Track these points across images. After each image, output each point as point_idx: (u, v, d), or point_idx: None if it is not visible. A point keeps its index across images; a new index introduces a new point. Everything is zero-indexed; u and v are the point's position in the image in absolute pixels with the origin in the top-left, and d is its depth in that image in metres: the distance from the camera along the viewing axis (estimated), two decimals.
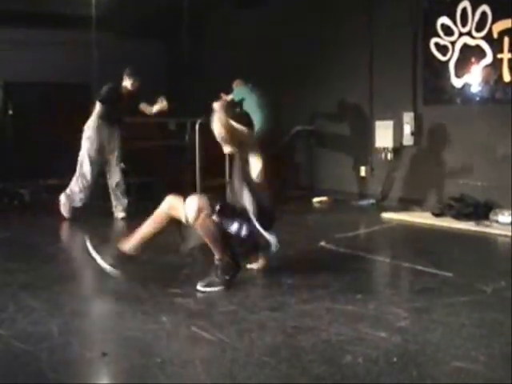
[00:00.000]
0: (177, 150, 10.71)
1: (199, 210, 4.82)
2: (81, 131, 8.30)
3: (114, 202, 8.61)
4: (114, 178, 8.50)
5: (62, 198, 8.39)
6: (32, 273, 5.47)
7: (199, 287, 4.88)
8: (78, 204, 8.39)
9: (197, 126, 9.87)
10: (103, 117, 8.30)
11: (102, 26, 10.71)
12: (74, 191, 8.34)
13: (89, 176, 8.31)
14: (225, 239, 4.97)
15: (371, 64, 9.85)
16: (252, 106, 9.14)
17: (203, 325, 4.06)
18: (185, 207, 4.88)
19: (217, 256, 4.97)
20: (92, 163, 8.31)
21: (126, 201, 8.56)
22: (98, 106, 8.33)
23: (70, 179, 8.42)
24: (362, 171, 10.16)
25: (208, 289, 4.86)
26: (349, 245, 6.65)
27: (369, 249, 6.65)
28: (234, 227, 4.96)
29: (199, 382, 3.28)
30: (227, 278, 4.93)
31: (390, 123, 9.54)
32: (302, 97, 10.75)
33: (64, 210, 8.38)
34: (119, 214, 8.51)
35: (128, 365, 3.52)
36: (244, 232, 4.98)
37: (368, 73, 9.91)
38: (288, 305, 4.53)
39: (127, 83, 8.40)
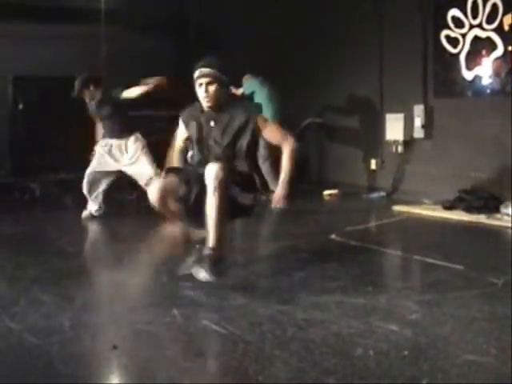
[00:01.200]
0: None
1: (219, 178, 4.60)
2: (91, 125, 8.27)
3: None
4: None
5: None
6: (43, 267, 5.49)
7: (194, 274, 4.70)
8: None
9: None
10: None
11: (111, 19, 10.73)
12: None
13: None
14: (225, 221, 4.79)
15: (381, 57, 9.83)
16: (263, 99, 9.15)
17: (214, 318, 4.06)
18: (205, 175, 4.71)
19: (211, 244, 4.67)
20: None
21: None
22: None
23: (81, 173, 8.41)
24: (373, 164, 10.15)
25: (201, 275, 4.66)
26: (359, 238, 6.65)
27: (379, 242, 6.65)
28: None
29: (210, 375, 3.29)
30: (216, 270, 4.66)
31: (400, 116, 9.52)
32: (312, 90, 10.74)
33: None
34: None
35: (138, 358, 3.54)
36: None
37: (378, 66, 9.89)
38: (298, 298, 4.53)
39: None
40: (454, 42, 8.81)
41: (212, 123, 5.08)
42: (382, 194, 9.74)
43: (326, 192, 10.07)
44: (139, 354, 3.59)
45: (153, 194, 4.81)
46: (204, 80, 4.95)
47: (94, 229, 7.60)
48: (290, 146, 5.05)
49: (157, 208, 4.89)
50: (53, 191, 9.90)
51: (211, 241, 4.65)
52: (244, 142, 5.03)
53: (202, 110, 5.13)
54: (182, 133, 5.36)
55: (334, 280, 4.93)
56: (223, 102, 5.10)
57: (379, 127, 9.88)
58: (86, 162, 8.12)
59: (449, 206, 8.23)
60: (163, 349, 3.58)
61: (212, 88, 4.96)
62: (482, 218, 7.65)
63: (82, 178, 7.99)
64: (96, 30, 10.58)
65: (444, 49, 8.95)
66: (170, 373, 3.27)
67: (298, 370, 3.32)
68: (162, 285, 4.89)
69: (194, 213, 4.86)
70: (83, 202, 8.10)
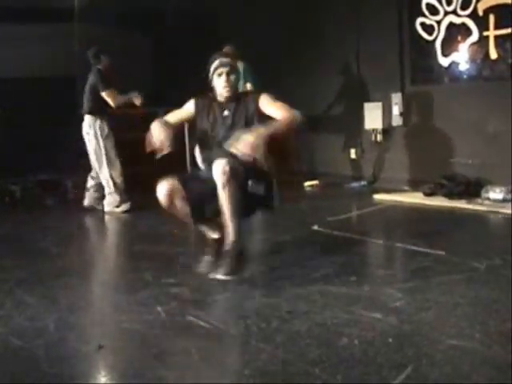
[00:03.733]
0: None
1: (228, 174, 4.51)
2: (67, 125, 8.28)
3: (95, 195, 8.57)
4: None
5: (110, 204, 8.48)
6: (27, 269, 5.47)
7: (219, 276, 4.63)
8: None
9: None
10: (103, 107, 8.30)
11: (85, 17, 10.68)
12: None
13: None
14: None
15: (358, 46, 9.85)
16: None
17: (198, 313, 4.07)
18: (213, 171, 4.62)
19: (232, 238, 4.65)
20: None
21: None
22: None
23: (61, 174, 8.43)
24: (353, 153, 10.18)
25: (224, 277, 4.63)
26: (341, 227, 6.67)
27: (361, 231, 6.68)
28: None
29: (197, 370, 3.29)
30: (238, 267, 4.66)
31: (378, 104, 9.55)
32: (289, 79, 10.72)
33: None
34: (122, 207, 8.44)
35: (125, 356, 3.54)
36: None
37: (355, 55, 9.91)
38: (282, 290, 4.54)
39: (105, 63, 8.35)
40: (429, 29, 8.85)
41: (226, 112, 5.06)
42: (363, 182, 9.78)
43: (307, 183, 10.10)
44: (125, 353, 3.59)
45: (160, 194, 4.88)
46: (224, 69, 4.98)
47: (76, 228, 7.58)
48: (293, 115, 4.88)
49: (165, 207, 4.94)
50: (34, 192, 9.86)
51: (231, 235, 4.64)
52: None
53: (214, 100, 5.13)
54: (183, 113, 5.25)
55: (317, 270, 4.95)
56: (237, 92, 5.22)
57: (358, 116, 9.90)
58: (66, 163, 8.12)
59: (429, 193, 8.28)
60: (149, 347, 3.58)
61: (232, 77, 5.01)
62: (462, 204, 7.69)
63: (63, 178, 8.01)
64: (69, 29, 10.52)
65: (420, 36, 8.99)
66: (157, 370, 3.28)
67: (284, 361, 3.33)
68: (145, 283, 4.89)
69: (201, 212, 4.94)
70: (63, 202, 8.11)
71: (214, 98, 5.13)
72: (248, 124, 4.93)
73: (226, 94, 5.03)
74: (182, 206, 4.89)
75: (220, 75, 4.99)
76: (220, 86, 5.03)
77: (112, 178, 8.23)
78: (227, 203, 4.55)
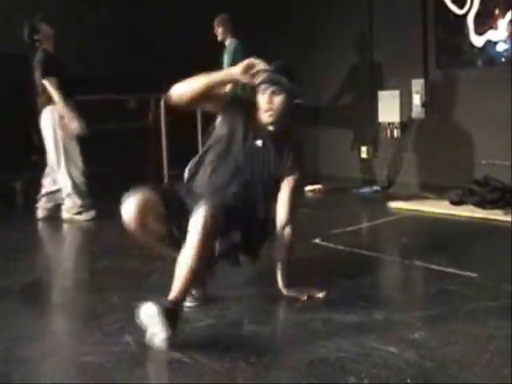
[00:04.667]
0: (138, 132, 10.70)
1: (206, 230, 4.20)
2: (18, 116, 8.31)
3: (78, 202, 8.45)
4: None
5: (42, 203, 8.57)
6: None
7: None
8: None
9: (162, 103, 9.89)
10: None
11: None
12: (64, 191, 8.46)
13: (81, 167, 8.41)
14: None
15: (371, 19, 9.86)
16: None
17: (174, 343, 4.06)
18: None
19: (172, 296, 4.19)
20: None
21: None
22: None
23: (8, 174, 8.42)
24: (363, 152, 10.20)
25: None
26: (349, 242, 6.68)
27: (373, 246, 6.69)
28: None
29: None
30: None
31: (396, 93, 9.57)
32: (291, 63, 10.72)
33: (42, 212, 8.55)
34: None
35: None
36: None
37: (368, 34, 9.92)
38: (277, 316, 4.55)
39: (46, 36, 8.35)
40: (459, 1, 8.85)
41: (259, 142, 4.81)
42: (376, 188, 9.79)
43: (308, 187, 10.09)
44: None
45: (128, 211, 4.49)
46: (270, 88, 4.69)
47: (27, 240, 7.56)
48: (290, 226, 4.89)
49: (132, 229, 4.56)
50: None
51: (174, 292, 4.18)
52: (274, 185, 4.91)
53: (254, 115, 4.83)
54: (216, 93, 4.88)
55: (321, 292, 4.95)
56: (284, 123, 4.90)
57: (371, 107, 9.91)
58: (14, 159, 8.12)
59: (457, 201, 8.28)
60: None
61: (277, 99, 4.72)
62: (497, 214, 7.70)
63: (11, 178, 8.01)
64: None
65: (448, 9, 9.00)
66: None
67: None
68: (111, 306, 4.88)
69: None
70: (10, 207, 8.08)
71: (255, 114, 4.82)
72: (267, 182, 4.85)
73: (267, 120, 4.77)
74: (156, 229, 4.59)
75: (264, 93, 4.72)
76: (262, 106, 4.76)
77: (71, 177, 8.21)
78: (189, 260, 4.21)
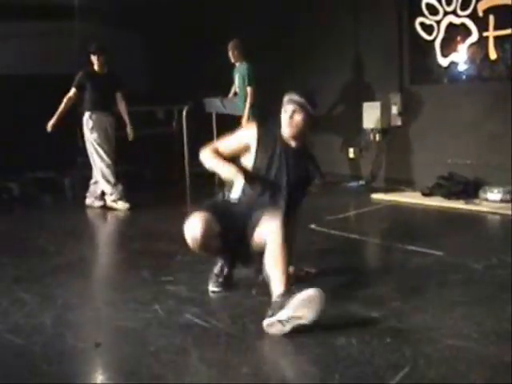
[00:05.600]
0: (165, 138, 10.70)
1: (281, 238, 4.08)
2: (65, 122, 8.30)
3: (110, 188, 8.44)
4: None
5: (88, 201, 8.60)
6: (24, 266, 5.46)
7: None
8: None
9: (184, 113, 9.90)
10: (91, 105, 8.33)
11: (84, 15, 10.67)
12: (98, 182, 8.47)
13: (107, 162, 8.41)
14: None
15: (357, 45, 9.84)
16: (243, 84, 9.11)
17: (196, 311, 4.07)
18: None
19: (280, 291, 3.91)
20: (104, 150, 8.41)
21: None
22: (69, 92, 8.33)
23: (58, 171, 8.43)
24: (351, 153, 10.17)
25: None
26: (340, 227, 6.68)
27: (360, 230, 6.68)
28: None
29: (194, 369, 3.29)
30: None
31: (377, 104, 9.54)
32: (283, 78, 10.69)
33: (96, 205, 8.52)
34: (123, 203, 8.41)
35: (121, 354, 3.54)
36: None
37: (354, 54, 9.91)
38: None
39: (94, 61, 8.39)
40: (428, 29, 8.84)
41: (284, 158, 4.62)
42: (361, 182, 9.77)
43: None
44: (122, 351, 3.59)
45: (193, 235, 4.25)
46: (291, 107, 4.54)
47: (74, 226, 7.56)
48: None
49: (195, 250, 4.38)
50: (31, 190, 9.83)
51: (279, 287, 3.93)
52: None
53: (280, 136, 4.66)
54: (240, 142, 4.67)
55: (315, 269, 4.94)
56: (303, 138, 4.73)
57: (357, 116, 9.89)
58: (63, 160, 8.12)
59: (428, 193, 8.28)
60: (146, 344, 3.58)
61: (298, 117, 4.55)
62: (460, 204, 7.70)
63: (61, 175, 8.01)
64: (69, 27, 10.51)
65: (419, 36, 8.98)
66: (153, 368, 3.28)
67: (281, 360, 3.34)
68: (143, 280, 4.89)
69: (237, 251, 4.52)
70: (61, 200, 8.10)
71: (280, 135, 4.66)
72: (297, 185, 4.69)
73: (289, 133, 4.60)
74: (215, 245, 4.37)
75: (286, 111, 4.56)
76: (284, 122, 4.58)
77: (100, 168, 8.36)
78: (278, 263, 4.02)
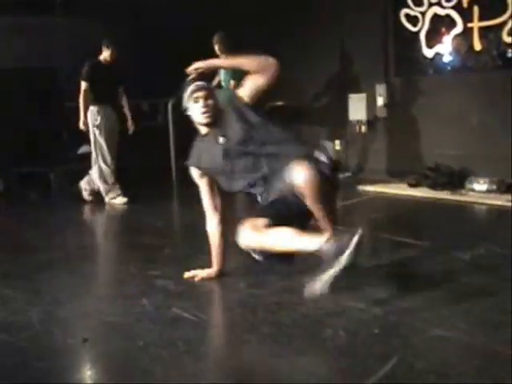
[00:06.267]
0: (150, 132, 10.66)
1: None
2: (50, 116, 8.24)
3: (106, 187, 8.34)
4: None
5: (82, 183, 8.45)
6: (10, 262, 5.46)
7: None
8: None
9: (169, 107, 9.87)
10: (99, 98, 8.21)
11: (66, 9, 10.61)
12: (94, 178, 8.34)
13: (109, 161, 8.29)
14: None
15: (342, 37, 9.84)
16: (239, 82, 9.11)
17: (184, 305, 4.07)
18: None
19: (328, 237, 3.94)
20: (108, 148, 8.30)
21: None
22: (82, 86, 8.13)
23: (45, 167, 8.38)
24: (337, 144, 10.18)
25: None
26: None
27: (347, 221, 6.68)
28: None
29: (182, 362, 3.30)
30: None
31: (363, 96, 9.56)
32: None
33: (85, 194, 8.44)
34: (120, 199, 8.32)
35: (109, 349, 3.54)
36: None
37: (339, 46, 9.91)
38: (267, 282, 4.54)
39: (106, 54, 8.27)
40: (413, 20, 8.86)
41: (221, 140, 4.44)
42: (348, 174, 9.78)
43: None
44: (110, 346, 3.59)
45: (248, 244, 4.07)
46: (201, 94, 4.44)
47: (59, 221, 7.55)
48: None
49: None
50: (17, 185, 9.80)
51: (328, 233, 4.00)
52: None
53: (202, 136, 4.59)
54: (209, 186, 4.63)
55: (302, 262, 4.95)
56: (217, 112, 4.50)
57: (342, 107, 9.90)
58: (50, 155, 8.07)
59: (414, 184, 8.30)
60: (134, 339, 3.58)
61: (210, 102, 4.46)
62: (446, 195, 7.73)
63: (48, 170, 7.97)
64: (51, 21, 10.46)
65: (404, 27, 9.00)
66: (142, 363, 3.28)
67: (270, 352, 3.35)
68: (131, 275, 4.89)
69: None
70: (47, 196, 8.07)
71: (201, 135, 4.60)
72: (247, 123, 4.42)
73: (206, 120, 4.48)
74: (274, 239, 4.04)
75: (196, 101, 4.45)
76: (197, 112, 4.48)
77: (99, 166, 8.25)
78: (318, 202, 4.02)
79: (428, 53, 8.76)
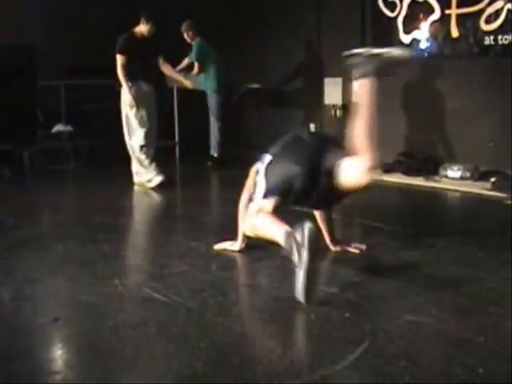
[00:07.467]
0: None
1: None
2: (26, 94, 8.13)
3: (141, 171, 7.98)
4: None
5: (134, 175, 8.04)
6: None
7: None
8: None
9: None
10: (135, 73, 7.79)
11: None
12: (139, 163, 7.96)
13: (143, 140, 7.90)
14: None
15: (319, 20, 9.81)
16: (212, 65, 9.13)
17: (155, 286, 4.05)
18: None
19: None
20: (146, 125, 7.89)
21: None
22: (118, 60, 7.69)
23: (17, 144, 8.30)
24: (312, 128, 10.16)
25: None
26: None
27: None
28: None
29: (152, 343, 3.28)
30: None
31: (338, 80, 9.54)
32: (248, 55, 10.65)
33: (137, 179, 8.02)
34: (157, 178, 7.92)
35: (80, 329, 3.51)
36: None
37: (316, 30, 9.88)
38: (240, 264, 4.54)
39: (143, 28, 7.86)
40: (391, 5, 8.85)
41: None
42: None
43: None
44: (81, 325, 3.56)
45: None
46: None
47: (32, 200, 7.48)
48: None
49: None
50: None
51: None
52: None
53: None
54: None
55: (276, 246, 4.94)
56: None
57: (318, 91, 9.88)
58: (22, 133, 7.99)
59: (388, 169, 8.31)
60: (105, 319, 3.55)
61: None
62: (420, 181, 7.75)
63: (20, 148, 7.87)
64: None
65: (382, 13, 8.98)
66: (112, 343, 3.26)
67: (240, 335, 3.33)
68: (103, 255, 4.85)
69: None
70: (20, 173, 7.99)
71: None
72: None
73: None
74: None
75: None
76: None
77: (131, 146, 7.98)
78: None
79: (405, 38, 8.76)
